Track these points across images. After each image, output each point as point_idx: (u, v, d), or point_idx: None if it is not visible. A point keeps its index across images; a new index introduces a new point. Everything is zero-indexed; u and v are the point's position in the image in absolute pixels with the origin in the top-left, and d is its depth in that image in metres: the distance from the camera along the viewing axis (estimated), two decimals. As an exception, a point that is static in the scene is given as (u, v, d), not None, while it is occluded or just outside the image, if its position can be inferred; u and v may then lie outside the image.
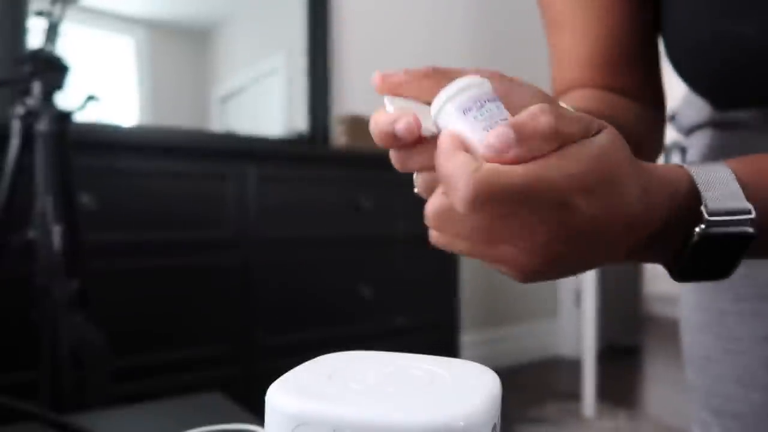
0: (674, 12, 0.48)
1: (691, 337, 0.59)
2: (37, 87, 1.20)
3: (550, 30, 0.56)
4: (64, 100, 1.25)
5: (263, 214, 1.78)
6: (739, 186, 0.35)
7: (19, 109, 1.20)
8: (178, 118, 2.14)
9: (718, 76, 0.47)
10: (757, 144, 0.52)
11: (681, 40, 0.48)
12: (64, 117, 1.22)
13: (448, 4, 2.81)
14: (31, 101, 1.20)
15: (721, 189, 0.34)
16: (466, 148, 0.30)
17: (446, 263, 2.21)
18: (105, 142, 1.53)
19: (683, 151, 0.62)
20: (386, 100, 0.33)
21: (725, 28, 0.44)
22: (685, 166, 0.36)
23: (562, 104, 0.33)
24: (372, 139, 0.33)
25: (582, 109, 0.47)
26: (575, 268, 0.34)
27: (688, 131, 0.61)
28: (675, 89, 0.53)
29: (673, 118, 0.62)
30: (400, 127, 0.30)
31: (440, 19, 2.79)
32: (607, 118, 0.47)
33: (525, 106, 0.30)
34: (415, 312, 2.12)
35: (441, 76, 0.32)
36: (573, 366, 2.68)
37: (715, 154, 0.56)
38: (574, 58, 0.54)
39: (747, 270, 0.52)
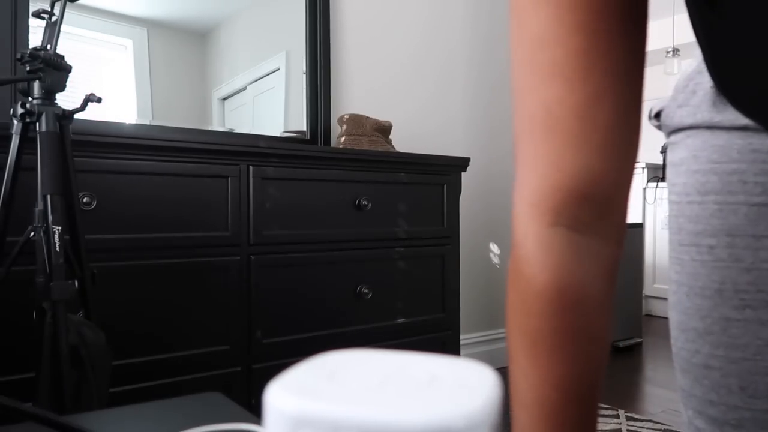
0: (744, 31, 0.43)
1: (687, 345, 0.57)
2: (37, 87, 1.20)
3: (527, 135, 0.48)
4: (64, 100, 1.25)
5: (263, 214, 1.78)
6: None
7: (19, 109, 1.20)
8: (178, 118, 2.14)
9: None
10: (761, 146, 0.51)
11: (750, 64, 0.43)
12: (64, 117, 1.22)
13: (446, 6, 2.81)
14: (31, 101, 1.20)
15: None
16: None
17: (446, 263, 2.21)
18: (105, 142, 1.53)
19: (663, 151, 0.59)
20: None
21: None
22: None
23: None
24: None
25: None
26: None
27: (674, 130, 0.59)
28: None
29: (658, 115, 0.60)
30: None
31: (439, 20, 2.79)
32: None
33: None
34: (416, 312, 2.12)
35: None
36: (573, 366, 2.67)
37: (710, 154, 0.54)
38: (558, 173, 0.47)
39: (751, 277, 0.51)
